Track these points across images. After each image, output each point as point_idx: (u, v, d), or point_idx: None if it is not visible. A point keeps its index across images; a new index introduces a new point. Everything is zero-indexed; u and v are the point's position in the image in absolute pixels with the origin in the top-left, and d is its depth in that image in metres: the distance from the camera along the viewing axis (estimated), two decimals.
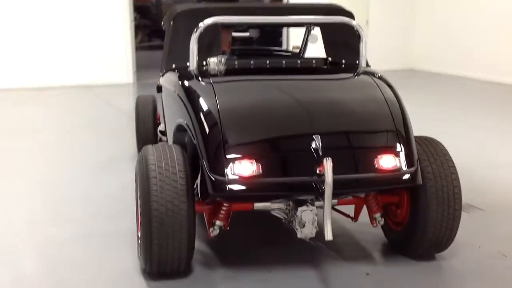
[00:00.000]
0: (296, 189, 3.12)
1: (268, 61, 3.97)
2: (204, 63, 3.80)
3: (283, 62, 3.98)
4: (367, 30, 12.36)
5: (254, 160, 3.03)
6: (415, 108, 4.62)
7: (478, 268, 3.49)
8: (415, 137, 3.51)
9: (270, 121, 3.28)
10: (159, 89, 4.45)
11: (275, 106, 3.34)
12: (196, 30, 3.67)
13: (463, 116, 8.19)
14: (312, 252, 3.64)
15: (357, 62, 3.96)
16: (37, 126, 7.70)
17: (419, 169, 3.24)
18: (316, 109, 3.35)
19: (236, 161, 3.02)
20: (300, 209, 3.18)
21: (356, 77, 3.90)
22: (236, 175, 3.00)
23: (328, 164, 2.94)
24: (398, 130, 3.30)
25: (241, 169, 3.01)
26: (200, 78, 3.61)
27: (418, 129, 3.63)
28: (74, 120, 8.09)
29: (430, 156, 3.40)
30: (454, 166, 3.39)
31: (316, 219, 3.21)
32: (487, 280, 3.36)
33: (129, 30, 11.35)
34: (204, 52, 3.82)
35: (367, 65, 4.06)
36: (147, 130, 5.34)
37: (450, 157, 3.43)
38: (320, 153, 3.05)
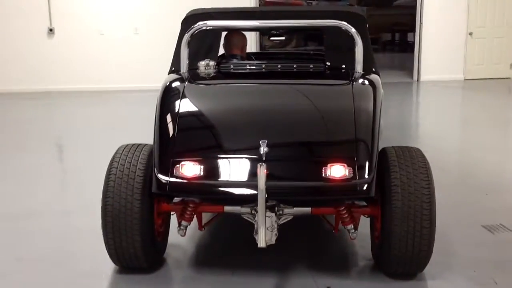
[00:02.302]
0: (234, 193, 3.12)
1: (263, 66, 3.98)
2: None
3: (279, 66, 3.97)
4: (472, 41, 11.69)
5: (198, 163, 3.10)
6: None
7: None
8: (394, 147, 3.35)
9: (222, 126, 3.34)
10: None
11: (233, 112, 3.41)
12: (186, 34, 3.80)
13: None
14: (281, 259, 3.59)
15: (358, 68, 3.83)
16: None
17: (373, 181, 3.07)
18: (271, 116, 3.35)
19: (181, 163, 3.11)
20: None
21: (336, 85, 3.80)
22: (179, 176, 3.09)
23: (261, 170, 2.91)
24: (358, 141, 3.17)
25: (185, 170, 3.09)
26: (177, 81, 3.71)
27: None
28: None
29: (403, 168, 3.20)
30: (428, 180, 3.16)
31: (276, 226, 3.17)
32: None
33: None
34: (202, 55, 3.93)
35: (374, 71, 3.91)
36: None
37: (427, 171, 3.20)
38: (263, 159, 3.03)
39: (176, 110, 3.33)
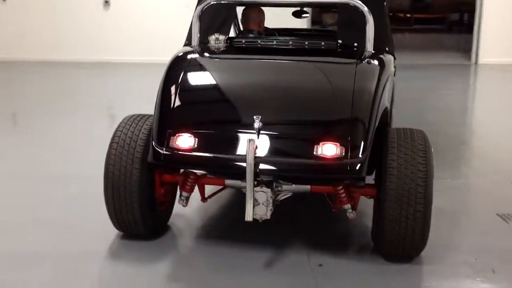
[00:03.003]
0: (224, 166, 3.17)
1: (275, 42, 3.96)
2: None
3: (290, 42, 3.94)
4: None
5: (193, 136, 3.16)
6: None
7: (447, 279, 3.16)
8: (398, 128, 3.31)
9: (219, 100, 3.40)
10: None
11: (231, 87, 3.44)
12: (197, 8, 3.84)
13: None
14: (281, 235, 3.63)
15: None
16: None
17: (366, 161, 3.04)
18: (268, 92, 3.37)
19: (176, 134, 3.18)
20: (255, 189, 3.20)
21: (340, 63, 3.76)
22: (173, 147, 3.16)
23: (250, 145, 2.94)
24: (354, 120, 3.14)
25: (180, 142, 3.16)
26: (183, 55, 3.74)
27: None
28: None
29: (401, 149, 3.15)
30: (426, 163, 3.11)
31: (271, 202, 3.19)
32: None
33: None
34: (215, 30, 3.96)
35: (388, 50, 3.83)
36: None
37: (426, 154, 3.14)
38: (256, 135, 3.05)
39: (177, 83, 3.39)
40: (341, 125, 3.17)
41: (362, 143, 3.07)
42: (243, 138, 3.10)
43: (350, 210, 3.32)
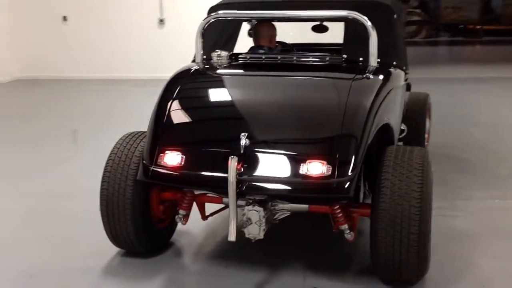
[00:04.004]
0: (208, 185, 3.12)
1: (279, 58, 3.87)
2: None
3: (294, 58, 3.85)
4: None
5: (181, 153, 3.12)
6: None
7: None
8: (398, 146, 3.22)
9: (207, 118, 3.39)
10: None
11: (220, 104, 3.45)
12: (200, 24, 3.82)
13: None
14: (278, 255, 3.53)
15: (379, 60, 3.63)
16: None
17: (354, 180, 2.89)
18: (258, 110, 3.32)
19: (164, 152, 3.14)
20: (246, 208, 3.13)
21: (336, 78, 3.63)
22: (161, 164, 3.13)
23: (232, 163, 2.87)
24: (343, 137, 3.01)
25: (167, 159, 3.13)
26: (182, 72, 3.72)
27: None
28: None
29: (396, 168, 2.99)
30: (421, 183, 2.93)
31: (264, 221, 3.11)
32: None
33: None
34: (220, 46, 3.93)
35: (395, 65, 3.70)
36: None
37: (422, 173, 2.96)
38: (242, 153, 2.98)
39: (171, 101, 3.37)
40: (329, 143, 3.04)
41: (352, 161, 2.93)
42: (229, 156, 3.02)
43: (348, 231, 3.18)
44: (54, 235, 3.94)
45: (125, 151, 3.39)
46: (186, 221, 3.45)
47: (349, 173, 2.90)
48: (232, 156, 2.89)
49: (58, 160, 5.79)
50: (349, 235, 3.18)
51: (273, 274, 3.30)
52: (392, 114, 3.61)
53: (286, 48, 4.92)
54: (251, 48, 4.28)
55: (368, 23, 3.53)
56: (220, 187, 2.99)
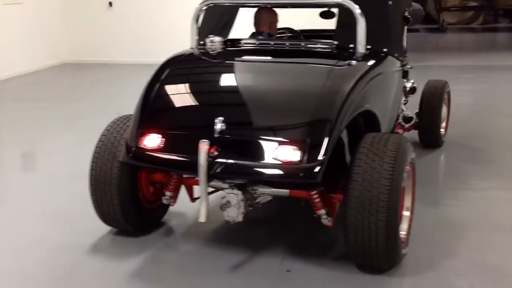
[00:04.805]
0: (181, 167, 3.21)
1: (272, 43, 3.91)
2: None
3: (287, 44, 3.88)
4: None
5: (160, 135, 3.22)
6: None
7: None
8: (377, 134, 3.24)
9: (187, 102, 3.48)
10: None
11: (201, 89, 3.55)
12: (195, 10, 3.90)
13: None
14: (264, 237, 3.60)
15: (369, 47, 3.63)
16: None
17: (323, 166, 2.91)
18: (235, 95, 3.39)
19: (145, 134, 3.25)
20: (226, 191, 3.21)
21: (318, 64, 3.66)
22: (141, 146, 3.24)
23: (202, 146, 2.95)
24: (316, 122, 3.04)
25: (147, 141, 3.24)
26: (174, 57, 3.81)
27: None
28: None
29: (369, 155, 3.01)
30: (392, 171, 2.94)
31: (242, 204, 3.18)
32: None
33: None
34: (216, 32, 3.99)
35: (386, 52, 3.68)
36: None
37: (394, 160, 2.96)
38: (215, 136, 3.05)
39: (157, 85, 3.48)
40: (301, 128, 3.08)
41: (323, 146, 2.95)
42: (202, 139, 3.10)
43: (325, 217, 3.22)
44: (53, 213, 4.12)
45: (114, 133, 3.51)
46: (175, 202, 3.56)
47: (319, 158, 2.93)
48: (204, 140, 2.96)
49: (82, 141, 6.00)
50: (326, 220, 3.22)
51: (254, 256, 3.37)
52: (378, 101, 3.60)
53: (294, 34, 4.94)
54: (252, 34, 4.33)
55: (357, 10, 3.53)
56: (192, 170, 3.08)
